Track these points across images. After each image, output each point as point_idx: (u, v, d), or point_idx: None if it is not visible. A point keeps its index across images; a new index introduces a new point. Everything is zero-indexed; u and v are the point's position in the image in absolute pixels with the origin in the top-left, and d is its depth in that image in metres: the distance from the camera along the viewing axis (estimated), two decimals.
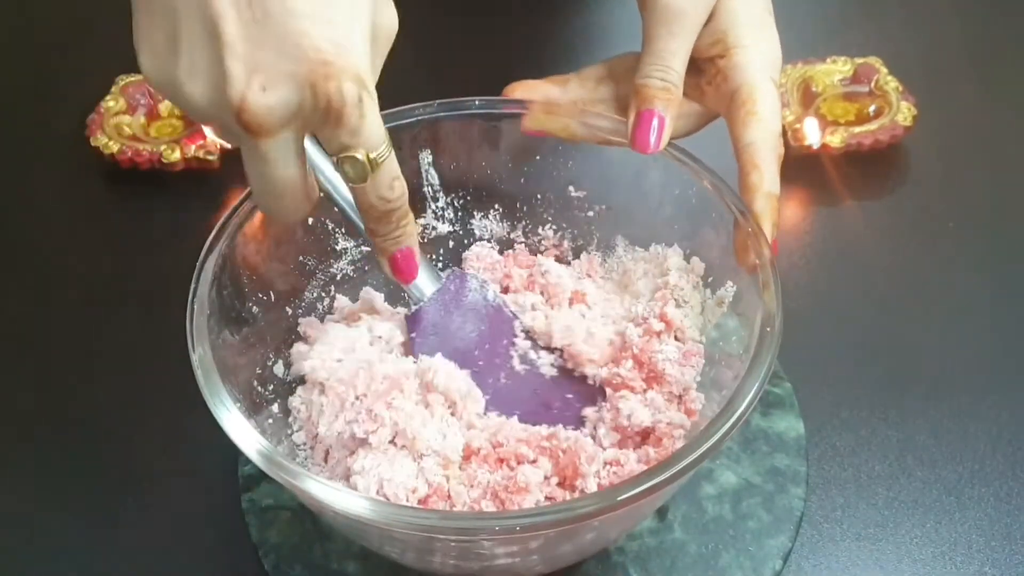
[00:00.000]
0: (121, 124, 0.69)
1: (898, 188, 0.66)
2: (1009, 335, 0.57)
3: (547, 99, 0.50)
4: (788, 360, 0.54)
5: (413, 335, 0.48)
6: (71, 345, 0.58)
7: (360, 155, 0.35)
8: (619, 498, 0.34)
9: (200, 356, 0.39)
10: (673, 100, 0.45)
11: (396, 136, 0.49)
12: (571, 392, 0.48)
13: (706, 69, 0.47)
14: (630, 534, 0.47)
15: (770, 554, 0.47)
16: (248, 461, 0.50)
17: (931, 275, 0.60)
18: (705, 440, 0.36)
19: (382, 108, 0.36)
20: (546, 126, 0.49)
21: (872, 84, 0.69)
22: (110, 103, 0.70)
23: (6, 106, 0.76)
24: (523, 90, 0.50)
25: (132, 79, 0.72)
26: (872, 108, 0.68)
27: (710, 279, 0.48)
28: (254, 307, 0.46)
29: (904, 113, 0.66)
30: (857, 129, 0.66)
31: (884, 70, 0.70)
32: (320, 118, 0.34)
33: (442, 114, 0.49)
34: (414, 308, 0.48)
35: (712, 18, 0.46)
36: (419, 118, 0.49)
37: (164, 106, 0.71)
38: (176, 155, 0.67)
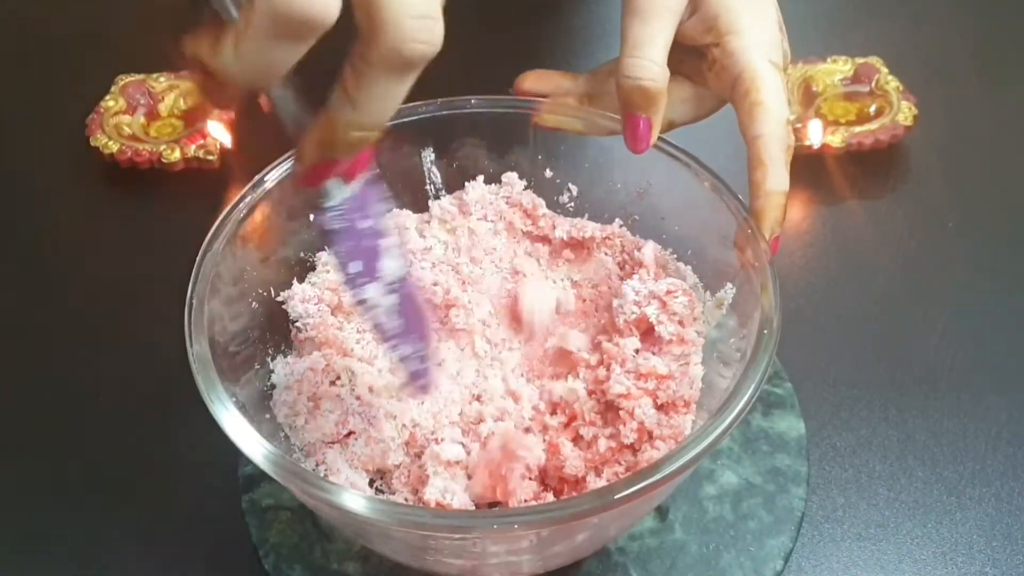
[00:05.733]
0: (121, 124, 0.69)
1: (898, 188, 0.66)
2: (1009, 335, 0.57)
3: (557, 91, 0.49)
4: (788, 360, 0.54)
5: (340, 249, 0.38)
6: (70, 345, 0.58)
7: None
8: (615, 496, 0.34)
9: (198, 352, 0.39)
10: (652, 97, 0.43)
11: (398, 134, 0.49)
12: None
13: (706, 55, 0.46)
14: (631, 534, 0.47)
15: (771, 554, 0.47)
16: (248, 461, 0.50)
17: (931, 275, 0.60)
18: (701, 440, 0.36)
19: None
20: (555, 123, 0.49)
21: (872, 84, 0.69)
22: (110, 103, 0.70)
23: (6, 106, 0.76)
24: (534, 80, 0.50)
25: (132, 79, 0.72)
26: (872, 108, 0.68)
27: (709, 280, 0.48)
28: (253, 303, 0.46)
29: (904, 113, 0.66)
30: (858, 129, 0.66)
31: (884, 70, 0.70)
32: None
33: (445, 112, 0.49)
34: (338, 211, 0.37)
35: (701, 4, 0.44)
36: (422, 116, 0.49)
37: (164, 106, 0.71)
38: (176, 155, 0.67)
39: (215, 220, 0.44)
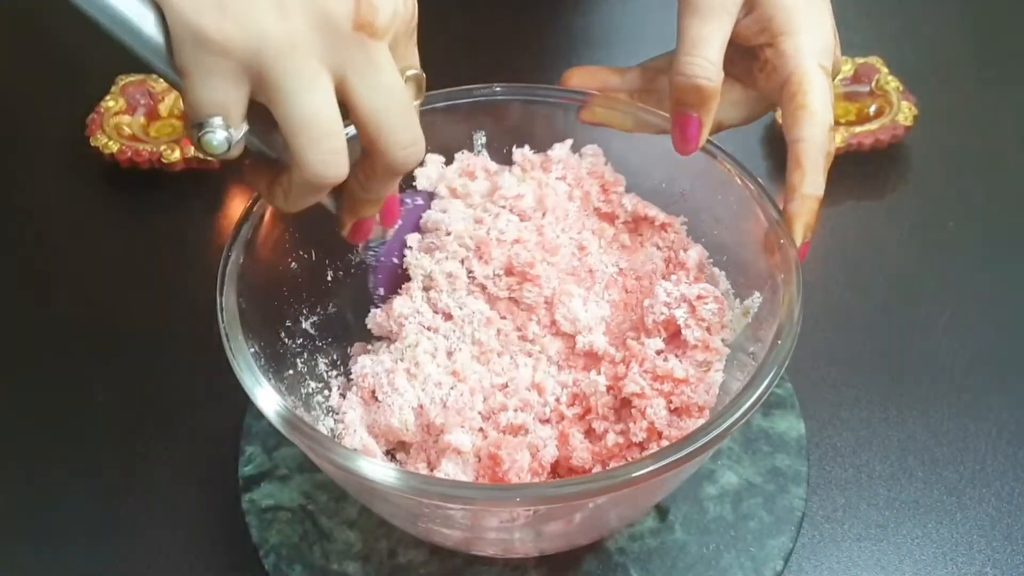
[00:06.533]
0: (121, 124, 0.69)
1: (899, 188, 0.66)
2: (1009, 335, 0.57)
3: (605, 87, 0.49)
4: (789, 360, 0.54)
5: (380, 288, 0.48)
6: (70, 345, 0.58)
7: (419, 71, 0.38)
8: (616, 480, 0.35)
9: (226, 303, 0.40)
10: (706, 96, 0.43)
11: (452, 115, 0.50)
12: None
13: (757, 55, 0.46)
14: (631, 535, 0.47)
15: (771, 554, 0.47)
16: (248, 461, 0.50)
17: (931, 275, 0.60)
18: (703, 435, 0.36)
19: None
20: (602, 118, 0.49)
21: (873, 84, 0.69)
22: (110, 103, 0.70)
23: (6, 106, 0.76)
24: (582, 76, 0.50)
25: (132, 79, 0.72)
26: (873, 108, 0.68)
27: (741, 288, 0.47)
28: (293, 263, 0.47)
29: (905, 113, 0.66)
30: (858, 129, 0.66)
31: (885, 70, 0.70)
32: (405, 26, 0.36)
33: (500, 98, 0.50)
34: (373, 252, 0.47)
35: (757, 5, 0.44)
36: (476, 99, 0.50)
37: (164, 106, 0.71)
38: (176, 155, 0.67)
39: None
